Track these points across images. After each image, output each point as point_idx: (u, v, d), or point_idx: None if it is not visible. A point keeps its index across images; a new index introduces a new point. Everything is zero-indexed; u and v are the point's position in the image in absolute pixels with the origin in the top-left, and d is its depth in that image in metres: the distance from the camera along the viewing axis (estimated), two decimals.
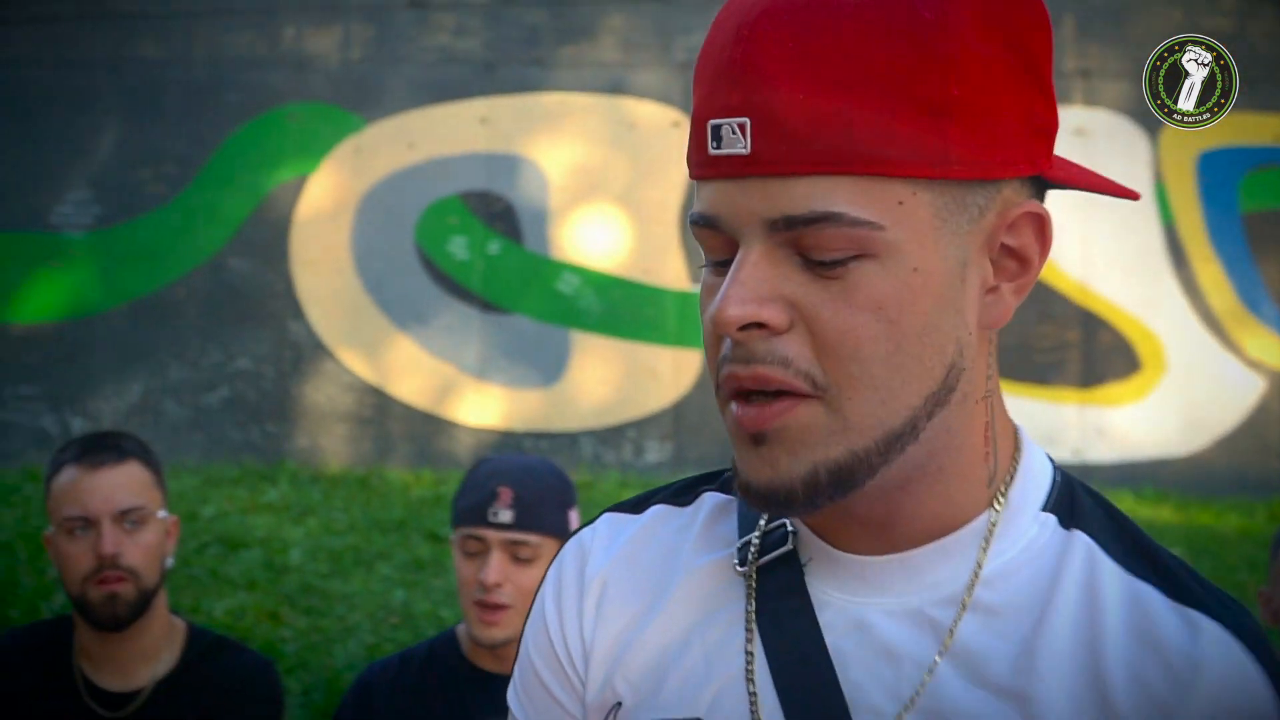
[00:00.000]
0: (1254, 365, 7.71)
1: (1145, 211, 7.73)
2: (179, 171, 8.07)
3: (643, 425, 7.86)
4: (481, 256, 7.96)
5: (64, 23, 8.13)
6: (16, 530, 6.38)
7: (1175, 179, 7.79)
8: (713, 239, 0.86)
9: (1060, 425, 7.70)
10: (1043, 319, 7.72)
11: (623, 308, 7.89)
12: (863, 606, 0.90)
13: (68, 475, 2.49)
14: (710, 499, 1.04)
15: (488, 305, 7.95)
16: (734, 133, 0.81)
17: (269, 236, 8.02)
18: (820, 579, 0.92)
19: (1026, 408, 7.61)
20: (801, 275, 0.82)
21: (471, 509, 2.42)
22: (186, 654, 2.58)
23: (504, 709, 1.97)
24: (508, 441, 7.89)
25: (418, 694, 2.50)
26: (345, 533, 6.60)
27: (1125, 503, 6.94)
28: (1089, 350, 7.79)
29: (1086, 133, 7.67)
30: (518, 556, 2.39)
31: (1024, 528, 0.89)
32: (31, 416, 8.05)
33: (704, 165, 0.84)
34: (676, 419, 7.82)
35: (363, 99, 8.04)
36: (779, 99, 0.80)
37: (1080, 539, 0.89)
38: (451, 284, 7.96)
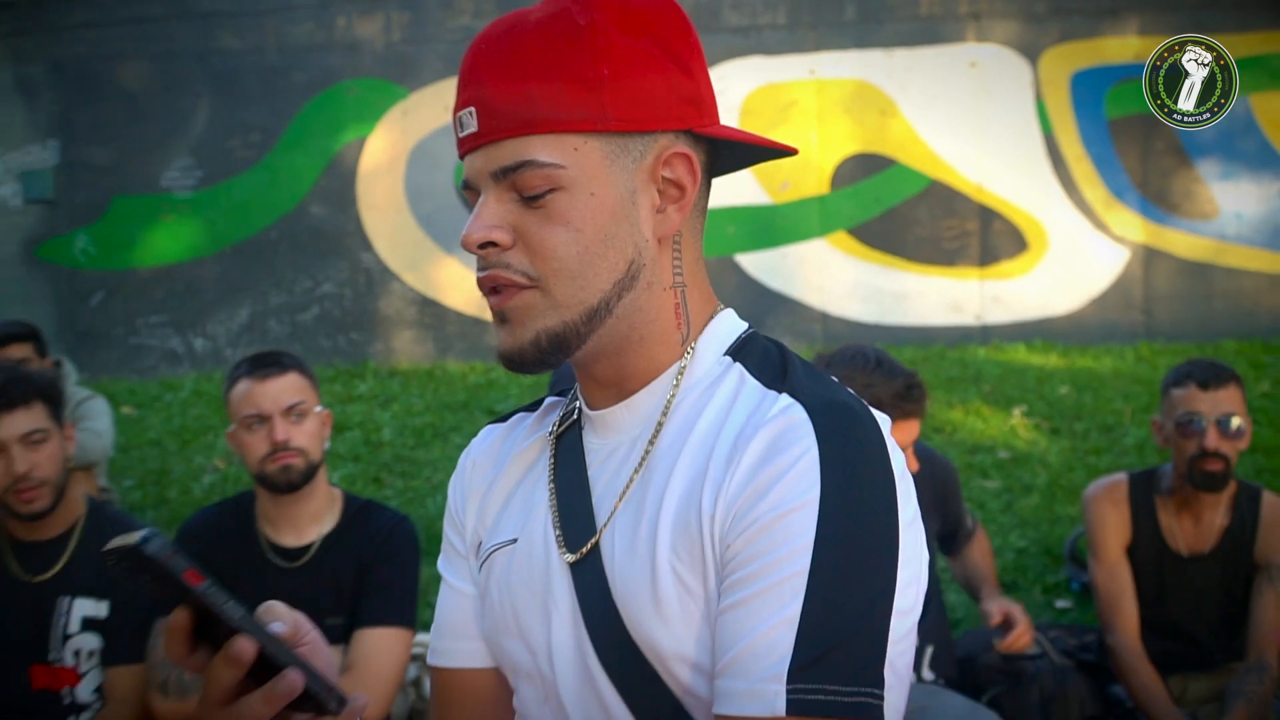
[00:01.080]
0: (1119, 240, 8.39)
1: (1029, 123, 8.38)
2: (262, 139, 8.80)
3: None
4: None
5: (156, 22, 8.84)
6: (163, 429, 6.95)
7: (1053, 96, 8.40)
8: (471, 196, 1.03)
9: (965, 297, 8.47)
10: (948, 214, 8.47)
11: None
12: (606, 443, 1.09)
13: (243, 385, 2.57)
14: (549, 401, 1.23)
15: None
16: (469, 118, 1.01)
17: (339, 187, 8.75)
18: (588, 432, 1.11)
19: (938, 284, 8.50)
20: (519, 209, 1.00)
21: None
22: (344, 515, 2.65)
23: None
24: None
25: None
26: (422, 413, 7.05)
27: (1019, 353, 7.94)
28: (986, 237, 8.47)
29: (979, 64, 8.44)
30: None
31: (706, 367, 1.07)
32: (162, 339, 8.87)
33: (459, 146, 1.02)
34: None
35: (405, 73, 8.73)
36: (487, 90, 0.99)
37: (736, 368, 1.06)
38: None
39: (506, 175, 1.00)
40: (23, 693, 2.48)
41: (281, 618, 0.94)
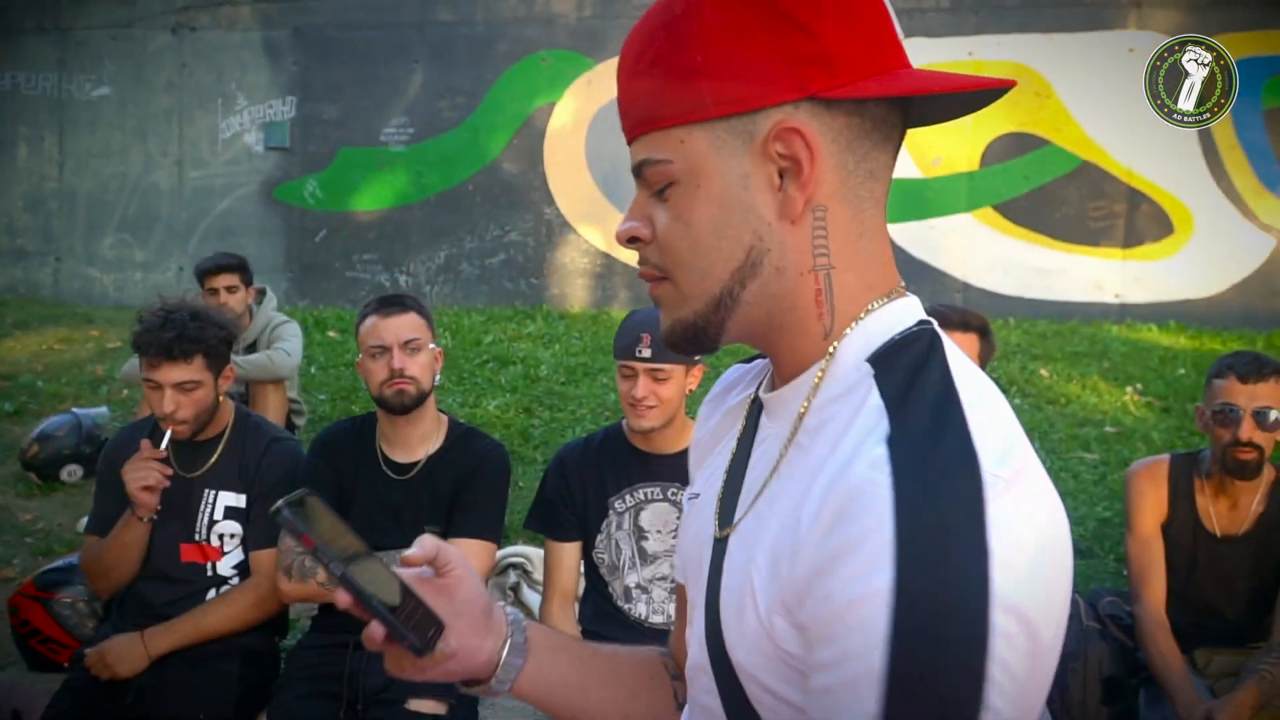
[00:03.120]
0: (1266, 228, 7.95)
1: None
2: (466, 101, 9.12)
3: None
4: None
5: None
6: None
7: None
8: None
9: (1107, 276, 8.17)
10: (1096, 195, 8.16)
11: None
12: (767, 429, 1.00)
13: (370, 320, 2.71)
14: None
15: None
16: (620, 118, 0.97)
17: (529, 147, 9.01)
18: (764, 409, 1.02)
19: (1080, 262, 8.21)
20: (655, 203, 0.94)
21: (625, 348, 2.57)
22: (448, 438, 2.76)
23: (650, 474, 2.63)
24: None
25: (596, 464, 2.69)
26: (579, 354, 7.19)
27: (1150, 333, 7.65)
28: (1132, 219, 8.14)
29: (1138, 50, 8.00)
30: (656, 378, 2.56)
31: (845, 371, 0.91)
32: (372, 274, 9.33)
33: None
34: None
35: (592, 45, 8.90)
36: (620, 94, 0.96)
37: (870, 380, 0.88)
38: None
39: (640, 174, 0.94)
40: (174, 564, 2.74)
41: (426, 551, 0.96)
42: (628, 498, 2.66)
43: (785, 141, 0.88)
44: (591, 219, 9.02)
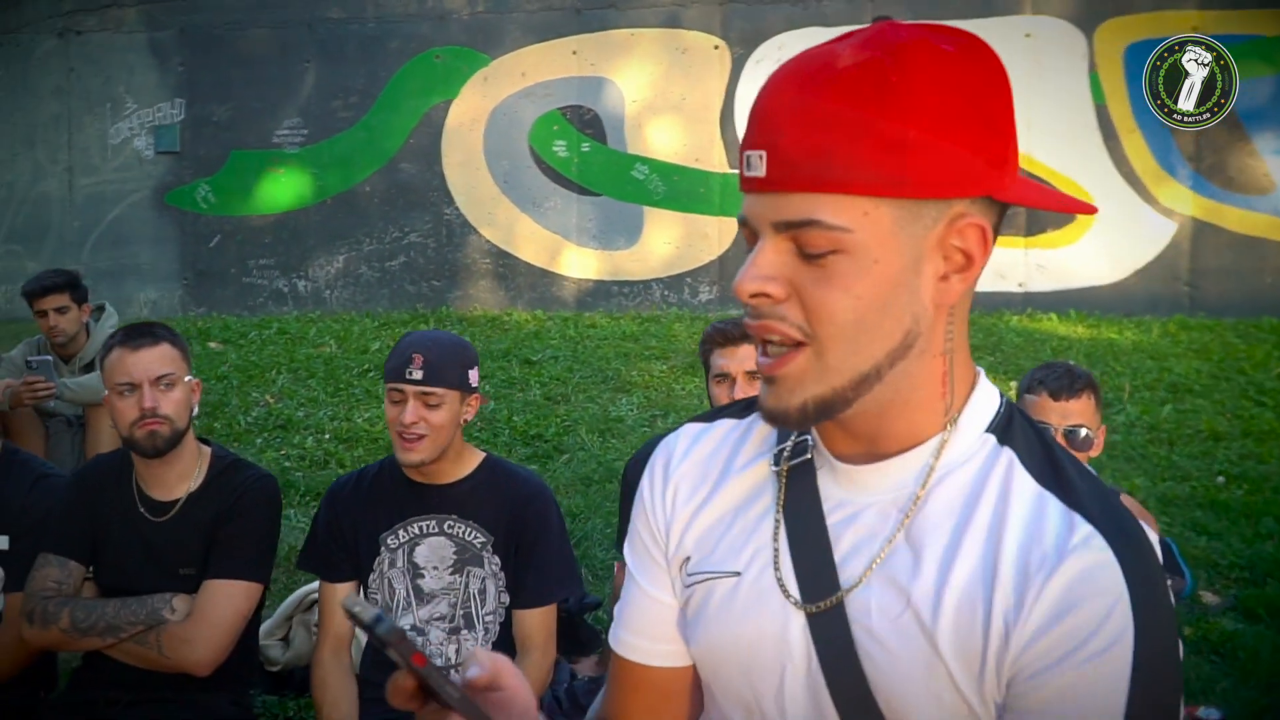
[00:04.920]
0: (1168, 213, 7.89)
1: (1081, 95, 7.93)
2: (360, 101, 8.90)
3: (696, 274, 8.48)
4: (577, 154, 8.60)
5: None
6: (235, 364, 6.87)
7: (1106, 68, 7.91)
8: (746, 233, 0.93)
9: (1010, 264, 8.05)
10: None
11: (680, 188, 8.44)
12: (852, 500, 0.98)
13: (116, 354, 2.49)
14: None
15: (583, 190, 8.60)
16: (757, 161, 0.90)
17: (426, 146, 8.80)
18: (825, 478, 1.00)
19: None
20: (797, 263, 0.90)
21: (395, 369, 2.40)
22: (210, 473, 2.56)
23: (424, 507, 2.40)
24: (600, 288, 8.56)
25: (368, 498, 2.52)
26: None
27: (1050, 323, 7.51)
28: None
29: (1034, 35, 7.97)
30: (428, 403, 2.37)
31: (968, 443, 0.96)
32: (269, 280, 9.09)
33: (742, 183, 0.92)
34: (720, 269, 8.42)
35: (487, 41, 8.71)
36: (783, 138, 0.88)
37: (1006, 453, 0.95)
38: (556, 175, 8.62)
39: (789, 229, 0.90)
40: None
41: (485, 669, 0.87)
42: (400, 533, 2.47)
43: (964, 236, 0.90)
44: (492, 219, 8.85)
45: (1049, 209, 0.98)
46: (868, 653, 0.94)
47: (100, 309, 4.77)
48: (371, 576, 2.47)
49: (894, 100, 0.86)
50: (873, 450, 0.97)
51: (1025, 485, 0.93)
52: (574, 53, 8.63)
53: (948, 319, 0.94)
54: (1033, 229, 8.14)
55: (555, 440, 5.39)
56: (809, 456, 1.02)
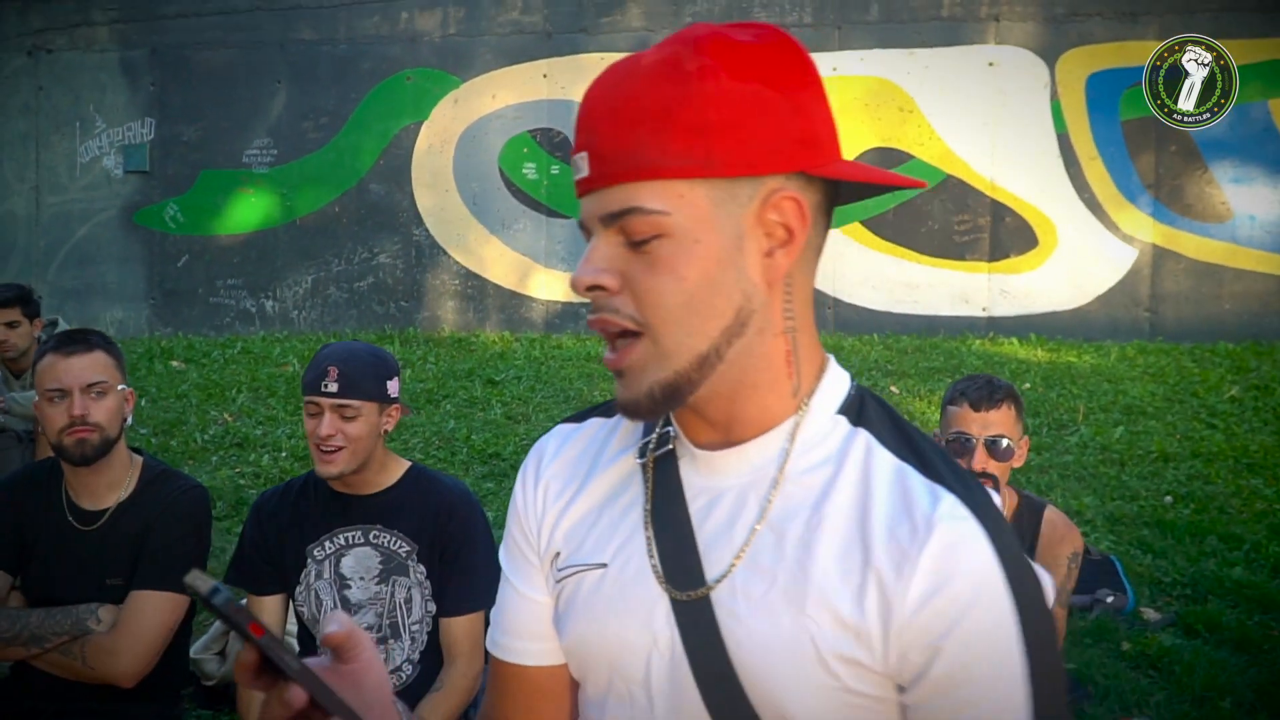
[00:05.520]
0: (1129, 239, 7.97)
1: (1043, 123, 8.02)
2: (330, 122, 8.92)
3: None
4: (546, 176, 8.62)
5: (243, 13, 9.06)
6: (195, 383, 6.84)
7: (1068, 96, 8.01)
8: (585, 235, 0.96)
9: (974, 289, 8.14)
10: (960, 209, 8.14)
11: None
12: (713, 486, 1.00)
13: (48, 360, 2.46)
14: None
15: (552, 212, 8.62)
16: (581, 163, 0.94)
17: (396, 167, 8.82)
18: (687, 467, 1.03)
19: (947, 276, 8.17)
20: (627, 254, 0.93)
21: (311, 382, 2.38)
22: (140, 483, 2.53)
23: (349, 518, 2.42)
24: (568, 310, 8.53)
25: (293, 510, 2.49)
26: (427, 380, 6.81)
27: (1011, 347, 7.57)
28: (997, 232, 8.13)
29: (997, 64, 8.08)
30: (344, 415, 2.35)
31: (821, 425, 0.98)
32: (237, 300, 9.09)
33: (575, 187, 0.96)
34: None
35: (458, 64, 8.74)
36: (599, 136, 0.92)
37: (862, 433, 0.98)
38: (525, 197, 8.64)
39: (614, 220, 0.93)
40: None
41: (340, 623, 0.88)
42: (326, 544, 2.45)
43: (781, 210, 0.93)
44: (461, 240, 8.87)
45: (872, 182, 0.99)
46: (733, 636, 0.96)
47: (53, 324, 4.75)
48: (299, 589, 2.46)
49: (693, 88, 0.90)
50: (729, 437, 0.99)
51: (885, 462, 0.96)
52: (544, 75, 8.68)
53: (784, 297, 0.96)
54: (996, 254, 8.22)
55: (513, 459, 5.37)
56: (671, 447, 1.04)
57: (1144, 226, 8.03)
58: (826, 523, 0.94)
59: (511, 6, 8.77)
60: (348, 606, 2.45)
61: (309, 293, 9.04)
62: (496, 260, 8.79)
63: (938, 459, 0.96)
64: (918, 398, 6.25)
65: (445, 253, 8.88)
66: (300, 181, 9.02)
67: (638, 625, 1.01)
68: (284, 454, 5.47)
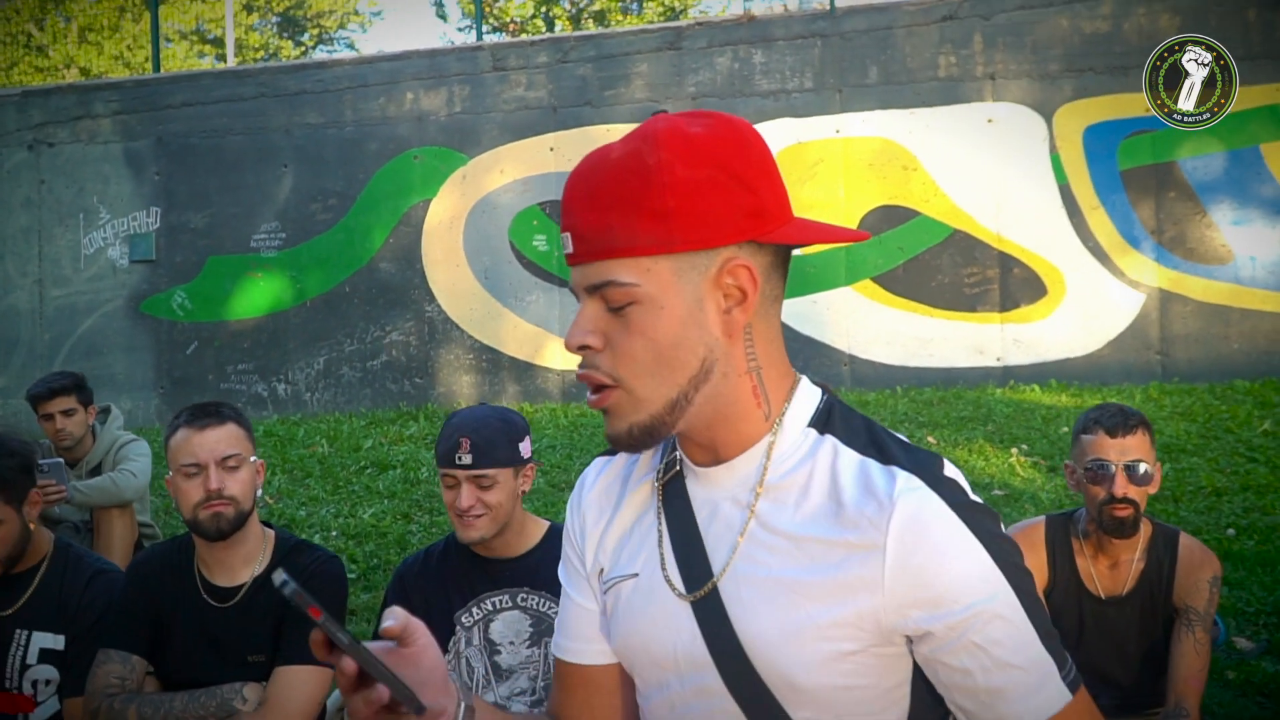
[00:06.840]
0: (1135, 284, 8.11)
1: (1044, 175, 8.18)
2: (339, 203, 8.96)
3: None
4: (557, 248, 8.61)
5: (248, 100, 9.15)
6: None
7: (1067, 149, 8.18)
8: (576, 297, 1.12)
9: (987, 340, 8.22)
10: (969, 262, 8.26)
11: None
12: (712, 497, 1.16)
13: (182, 434, 2.44)
14: None
15: (564, 282, 8.57)
16: (568, 241, 1.10)
17: (406, 245, 8.85)
18: (692, 483, 1.18)
19: (960, 329, 8.26)
20: (609, 317, 1.08)
21: (444, 455, 2.39)
22: (275, 556, 2.51)
23: (495, 582, 2.44)
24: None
25: (437, 578, 2.49)
26: None
27: (1033, 394, 7.67)
28: (1005, 283, 8.23)
29: (996, 120, 8.26)
30: (480, 485, 2.37)
31: (793, 439, 1.13)
32: (248, 385, 9.02)
33: (566, 259, 1.11)
34: None
35: (465, 141, 8.85)
36: (578, 219, 1.08)
37: (829, 439, 1.12)
38: (537, 269, 8.69)
39: (596, 290, 1.08)
40: None
41: (396, 617, 1.00)
42: (474, 611, 2.42)
43: (735, 275, 1.07)
44: (474, 314, 8.88)
45: (821, 242, 1.14)
46: (742, 624, 1.11)
47: (106, 410, 4.70)
48: (448, 657, 2.41)
49: (654, 179, 1.04)
50: (717, 456, 1.15)
51: (849, 459, 1.10)
52: (551, 149, 8.76)
53: (745, 343, 1.10)
54: (1006, 305, 8.32)
55: None
56: (677, 469, 1.20)
57: (1149, 271, 8.18)
58: (806, 517, 1.09)
59: (515, 84, 8.89)
60: (499, 673, 2.41)
61: (321, 374, 8.99)
62: (510, 333, 8.80)
63: (895, 448, 1.10)
64: (955, 446, 6.26)
65: (458, 327, 8.88)
66: (310, 263, 9.02)
67: (665, 621, 1.16)
68: (334, 533, 5.41)
